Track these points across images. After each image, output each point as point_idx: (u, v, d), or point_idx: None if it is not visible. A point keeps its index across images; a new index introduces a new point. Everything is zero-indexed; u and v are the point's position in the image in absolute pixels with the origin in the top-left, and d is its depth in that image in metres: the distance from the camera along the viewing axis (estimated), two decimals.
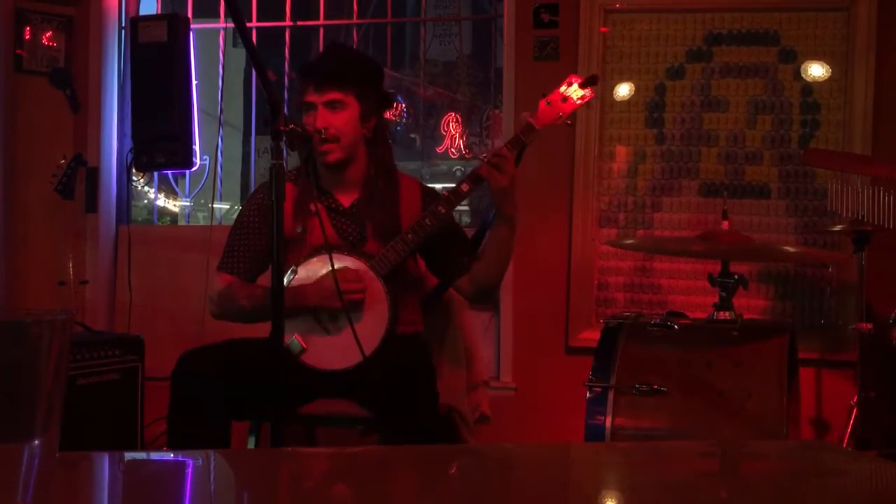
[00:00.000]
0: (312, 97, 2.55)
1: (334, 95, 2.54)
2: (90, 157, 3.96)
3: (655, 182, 3.70)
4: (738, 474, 1.01)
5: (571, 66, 3.68)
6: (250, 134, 5.94)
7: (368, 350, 2.39)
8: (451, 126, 4.66)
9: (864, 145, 3.51)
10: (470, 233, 2.83)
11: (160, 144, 3.84)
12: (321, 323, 2.49)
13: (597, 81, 2.65)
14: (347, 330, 2.33)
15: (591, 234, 3.71)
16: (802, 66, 3.61)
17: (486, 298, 2.75)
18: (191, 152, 3.88)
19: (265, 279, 2.44)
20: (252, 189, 4.05)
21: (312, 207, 2.53)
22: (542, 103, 2.57)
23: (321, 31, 4.24)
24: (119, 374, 3.28)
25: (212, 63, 4.60)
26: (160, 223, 4.85)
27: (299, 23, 4.23)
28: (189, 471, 0.96)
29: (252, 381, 2.34)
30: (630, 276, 3.71)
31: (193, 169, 4.03)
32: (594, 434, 2.48)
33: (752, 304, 3.53)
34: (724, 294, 2.72)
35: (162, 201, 5.09)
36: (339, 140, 2.54)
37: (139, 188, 5.14)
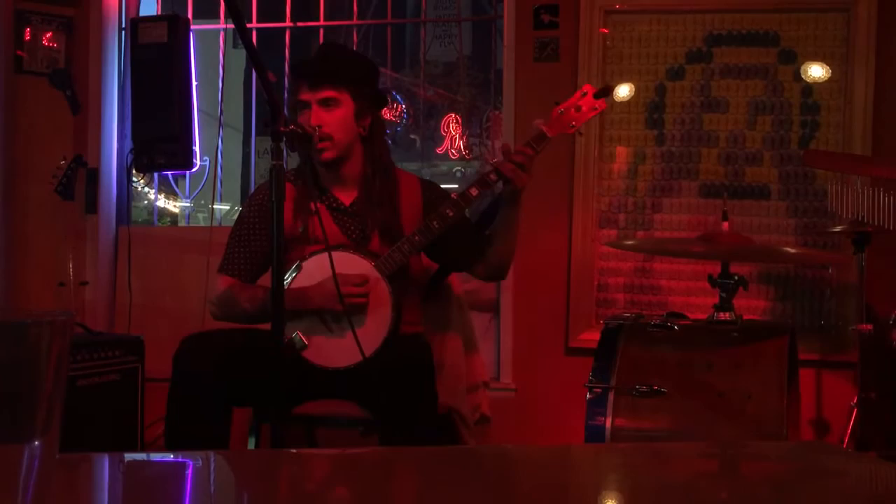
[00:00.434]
0: (306, 95, 2.55)
1: (328, 93, 2.54)
2: (90, 157, 3.96)
3: (655, 183, 3.70)
4: (739, 475, 1.01)
5: (571, 67, 3.69)
6: (250, 135, 5.95)
7: (369, 351, 2.39)
8: (452, 127, 4.67)
9: (864, 146, 3.51)
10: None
11: (160, 145, 3.84)
12: (325, 322, 2.49)
13: (609, 92, 2.66)
14: (349, 330, 2.33)
15: (591, 235, 3.71)
16: (802, 67, 3.61)
17: (501, 276, 2.78)
18: (191, 153, 3.88)
19: (266, 279, 2.44)
20: (252, 190, 4.05)
21: (313, 207, 2.53)
22: (556, 112, 2.56)
23: (321, 32, 4.24)
24: (119, 374, 3.29)
25: (212, 64, 4.60)
26: (160, 224, 4.85)
27: (299, 24, 4.23)
28: (189, 472, 0.96)
29: (253, 368, 2.33)
30: (630, 277, 3.71)
31: (193, 170, 4.03)
32: (594, 435, 2.48)
33: (752, 305, 3.53)
34: (724, 295, 2.72)
35: (162, 202, 5.10)
36: (332, 138, 2.54)
37: (139, 189, 5.15)
